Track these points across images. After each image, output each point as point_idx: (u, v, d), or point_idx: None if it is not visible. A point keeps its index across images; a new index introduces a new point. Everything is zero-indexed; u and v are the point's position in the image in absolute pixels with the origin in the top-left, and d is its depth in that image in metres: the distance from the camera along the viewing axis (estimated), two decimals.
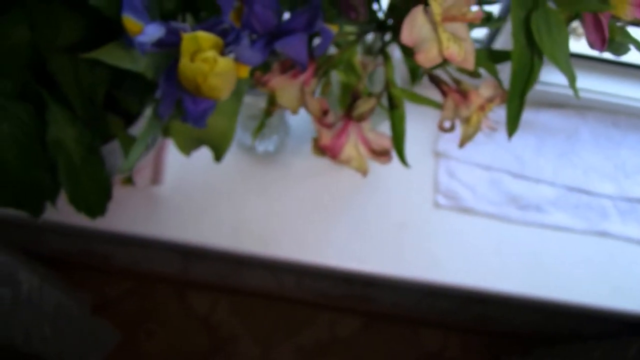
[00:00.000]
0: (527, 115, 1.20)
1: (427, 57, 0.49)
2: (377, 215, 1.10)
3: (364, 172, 0.60)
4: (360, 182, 1.08)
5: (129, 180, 0.80)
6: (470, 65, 0.52)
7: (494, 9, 0.64)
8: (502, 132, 0.56)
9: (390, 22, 0.62)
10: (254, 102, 0.96)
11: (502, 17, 0.68)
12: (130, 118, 0.82)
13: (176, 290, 1.85)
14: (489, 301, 1.18)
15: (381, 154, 0.61)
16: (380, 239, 1.09)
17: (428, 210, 1.12)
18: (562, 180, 1.18)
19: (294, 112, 0.58)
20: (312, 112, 0.57)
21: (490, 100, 0.58)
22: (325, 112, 0.57)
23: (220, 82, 0.50)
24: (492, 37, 1.17)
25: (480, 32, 1.19)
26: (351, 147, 0.59)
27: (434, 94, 0.62)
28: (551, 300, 1.09)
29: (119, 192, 0.96)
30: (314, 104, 0.57)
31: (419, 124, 1.02)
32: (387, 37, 0.64)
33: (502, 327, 1.76)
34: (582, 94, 1.22)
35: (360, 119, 0.58)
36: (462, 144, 0.60)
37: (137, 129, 0.81)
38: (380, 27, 0.63)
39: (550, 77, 1.20)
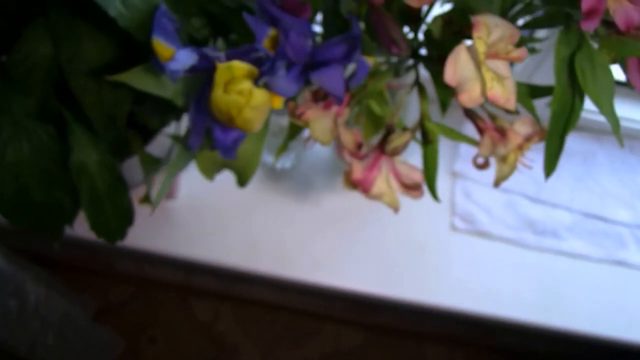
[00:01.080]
0: None
1: (469, 98, 0.48)
2: (394, 237, 1.08)
3: (395, 208, 0.59)
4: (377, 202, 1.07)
5: (146, 199, 0.78)
6: (512, 105, 0.50)
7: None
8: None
9: (422, 51, 0.60)
10: (273, 120, 0.94)
11: (532, 49, 0.66)
12: (147, 133, 0.80)
13: (180, 296, 1.83)
14: (499, 326, 1.16)
15: (412, 188, 0.59)
16: (396, 261, 1.07)
17: (445, 233, 1.10)
18: (579, 205, 1.16)
19: (327, 144, 0.57)
20: (346, 145, 0.56)
21: (528, 139, 0.56)
22: (359, 145, 0.56)
23: (255, 115, 0.49)
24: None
25: None
26: (382, 181, 0.57)
27: (460, 115, 0.60)
28: (564, 330, 1.07)
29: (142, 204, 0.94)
30: (348, 137, 0.55)
31: None
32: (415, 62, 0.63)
33: (508, 345, 1.74)
34: (598, 118, 1.21)
35: (394, 153, 0.57)
36: (497, 183, 0.58)
37: (155, 146, 0.79)
38: (413, 56, 0.61)
39: None
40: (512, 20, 0.60)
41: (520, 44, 0.63)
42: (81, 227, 0.67)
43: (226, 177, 0.74)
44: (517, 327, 1.11)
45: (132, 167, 0.79)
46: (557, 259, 1.11)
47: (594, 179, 1.20)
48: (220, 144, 0.53)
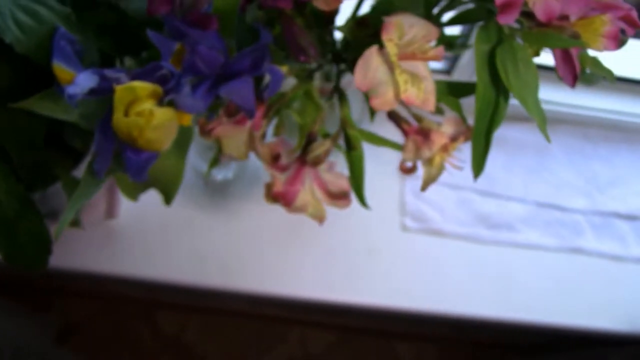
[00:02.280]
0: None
1: (382, 102, 0.46)
2: (344, 241, 1.06)
3: (321, 219, 0.56)
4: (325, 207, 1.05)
5: (76, 223, 0.76)
6: (430, 106, 0.48)
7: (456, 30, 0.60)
8: (469, 151, 0.53)
9: (346, 55, 0.58)
10: None
11: (464, 44, 0.64)
12: (77, 154, 0.77)
13: (145, 311, 1.80)
14: (463, 322, 1.14)
15: (339, 197, 0.56)
16: (349, 266, 1.05)
17: (396, 234, 1.08)
18: (533, 196, 1.14)
19: (243, 159, 0.54)
20: (262, 159, 0.53)
21: (454, 139, 0.54)
22: (276, 157, 0.53)
23: (158, 135, 0.46)
24: (453, 64, 1.14)
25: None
26: (306, 192, 0.55)
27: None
28: (526, 322, 1.06)
29: (71, 228, 0.91)
30: (264, 150, 0.53)
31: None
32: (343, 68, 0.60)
33: (478, 337, 1.74)
34: (551, 107, 1.20)
35: (316, 162, 0.54)
36: (424, 187, 0.56)
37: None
38: (335, 59, 0.59)
39: None
40: (438, 16, 0.58)
41: (449, 40, 0.62)
42: None
43: None
44: (480, 322, 1.09)
45: (60, 194, 0.76)
46: (514, 251, 1.10)
47: (549, 170, 1.19)
48: (131, 166, 0.50)
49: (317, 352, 1.82)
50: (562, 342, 1.46)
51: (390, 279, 1.05)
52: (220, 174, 1.05)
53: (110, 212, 1.00)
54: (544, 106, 1.18)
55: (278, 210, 1.05)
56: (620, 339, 1.08)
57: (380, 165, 1.09)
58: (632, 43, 1.17)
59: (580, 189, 1.17)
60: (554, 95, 1.19)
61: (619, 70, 1.16)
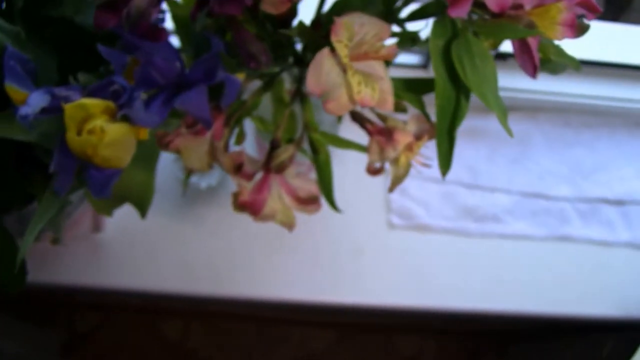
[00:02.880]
0: (476, 122, 1.16)
1: (337, 105, 0.45)
2: (331, 243, 1.06)
3: (290, 226, 0.56)
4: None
5: (56, 240, 0.75)
6: (388, 106, 0.47)
7: (421, 24, 0.59)
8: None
9: (309, 57, 0.58)
10: None
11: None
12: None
13: (148, 318, 1.80)
14: (456, 316, 1.14)
15: (308, 202, 0.56)
16: (337, 266, 1.04)
17: (383, 232, 1.07)
18: (518, 187, 1.14)
19: (205, 170, 0.54)
20: (225, 169, 0.53)
21: (418, 137, 0.54)
22: (239, 167, 0.53)
23: (113, 152, 0.46)
24: (428, 58, 1.13)
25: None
26: (274, 200, 0.54)
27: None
28: (518, 313, 1.05)
29: (53, 245, 0.91)
30: (226, 160, 0.52)
31: (365, 139, 0.98)
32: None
33: (477, 326, 1.73)
34: (531, 96, 1.19)
35: (281, 169, 0.54)
36: (392, 188, 0.55)
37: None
38: (297, 62, 0.59)
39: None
40: (397, 12, 0.57)
41: (411, 36, 0.61)
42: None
43: (153, 205, 0.71)
44: (473, 314, 1.09)
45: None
46: (502, 242, 1.09)
47: (532, 159, 1.18)
48: (94, 183, 0.50)
49: (319, 351, 1.82)
50: (557, 331, 1.46)
51: (379, 277, 1.04)
52: (204, 182, 1.04)
53: (97, 225, 0.99)
54: (523, 95, 1.18)
55: None
56: (613, 324, 1.08)
57: (362, 165, 1.08)
58: (608, 27, 1.17)
59: (564, 176, 1.16)
60: (534, 84, 1.18)
61: (595, 55, 1.17)
